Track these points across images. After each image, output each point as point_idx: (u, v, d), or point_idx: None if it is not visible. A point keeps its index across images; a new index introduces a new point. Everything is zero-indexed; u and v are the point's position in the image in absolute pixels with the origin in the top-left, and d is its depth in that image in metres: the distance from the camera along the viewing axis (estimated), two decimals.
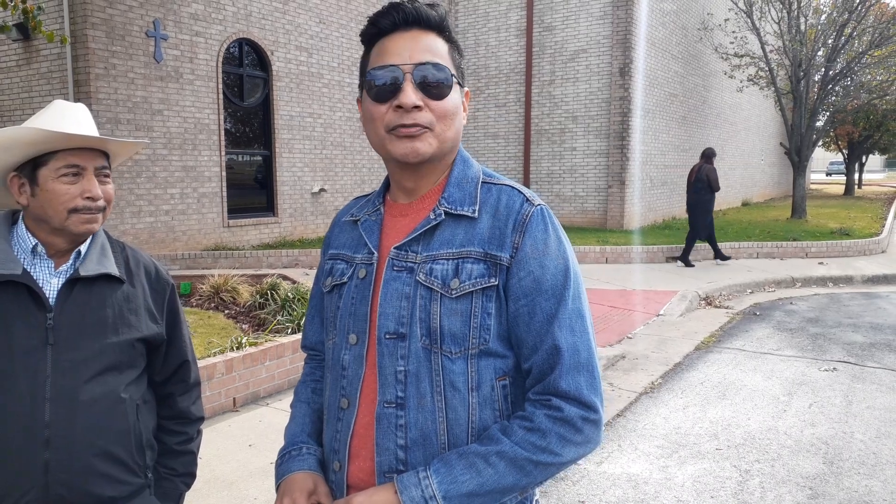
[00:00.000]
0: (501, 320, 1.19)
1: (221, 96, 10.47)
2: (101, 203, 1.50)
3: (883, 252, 12.09)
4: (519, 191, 1.24)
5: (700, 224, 10.53)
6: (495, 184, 1.26)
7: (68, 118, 1.48)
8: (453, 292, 1.17)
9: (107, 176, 1.53)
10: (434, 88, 1.18)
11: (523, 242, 1.18)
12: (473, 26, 15.52)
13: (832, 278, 9.71)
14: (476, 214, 1.21)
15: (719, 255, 10.77)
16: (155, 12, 9.51)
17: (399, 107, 1.17)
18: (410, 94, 1.16)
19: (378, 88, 1.19)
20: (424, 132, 1.18)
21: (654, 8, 14.62)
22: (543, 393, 1.17)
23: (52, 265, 1.52)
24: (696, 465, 3.88)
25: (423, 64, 1.17)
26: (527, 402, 1.19)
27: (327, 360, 1.33)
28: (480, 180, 1.26)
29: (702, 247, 11.20)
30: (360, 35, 1.25)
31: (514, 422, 1.16)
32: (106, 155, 1.55)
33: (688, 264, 10.56)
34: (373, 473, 1.20)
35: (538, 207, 1.21)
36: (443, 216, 1.22)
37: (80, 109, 1.53)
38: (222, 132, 10.51)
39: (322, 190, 12.29)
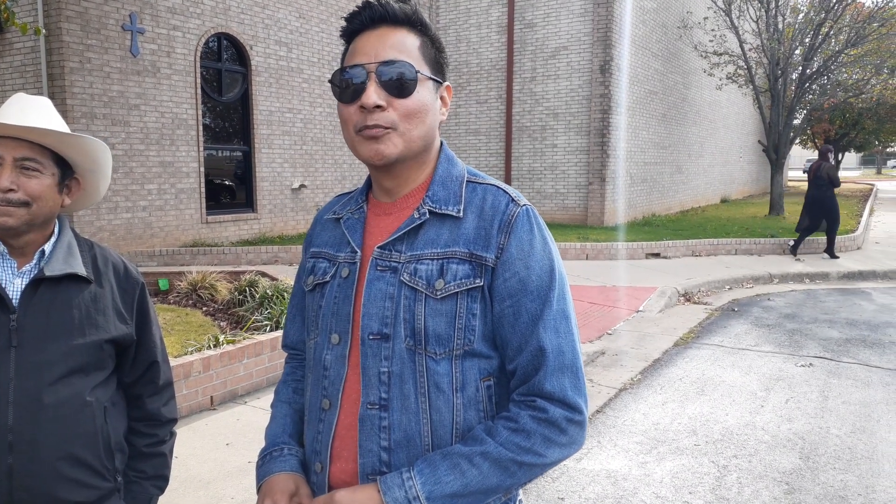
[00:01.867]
0: (486, 321, 1.18)
1: (200, 91, 10.34)
2: (13, 196, 1.40)
3: (858, 249, 12.27)
4: (504, 191, 1.23)
5: (818, 218, 10.92)
6: (480, 183, 1.24)
7: (12, 108, 1.44)
8: (438, 293, 1.16)
9: (33, 169, 1.43)
10: (397, 86, 1.15)
11: (509, 243, 1.17)
12: (455, 22, 15.49)
13: (809, 275, 9.84)
14: (461, 214, 1.20)
15: (830, 251, 11.10)
16: (131, 5, 9.37)
17: (363, 107, 1.15)
18: (372, 95, 1.14)
19: (343, 89, 1.18)
20: (387, 133, 1.16)
21: (634, 5, 14.69)
22: (528, 394, 1.16)
23: (15, 265, 1.47)
24: (674, 461, 3.90)
25: (387, 62, 1.15)
26: (511, 402, 1.18)
27: (308, 359, 1.31)
28: (465, 179, 1.25)
29: (673, 245, 11.29)
30: (340, 34, 1.24)
31: (499, 422, 1.16)
32: (49, 151, 1.47)
33: (795, 253, 11.12)
34: (355, 475, 1.19)
35: (524, 208, 1.20)
36: (427, 215, 1.21)
37: (32, 101, 1.47)
38: (200, 127, 10.39)
39: (302, 186, 12.21)
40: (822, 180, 10.93)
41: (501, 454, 1.12)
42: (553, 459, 1.15)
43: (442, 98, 1.24)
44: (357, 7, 1.20)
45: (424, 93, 1.18)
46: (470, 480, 1.12)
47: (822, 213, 10.92)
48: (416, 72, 1.16)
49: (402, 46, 1.17)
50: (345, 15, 1.22)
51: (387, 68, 1.15)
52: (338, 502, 1.13)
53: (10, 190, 1.40)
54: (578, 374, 1.18)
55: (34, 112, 1.46)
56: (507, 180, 15.03)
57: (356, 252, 1.25)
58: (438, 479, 1.11)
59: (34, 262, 1.48)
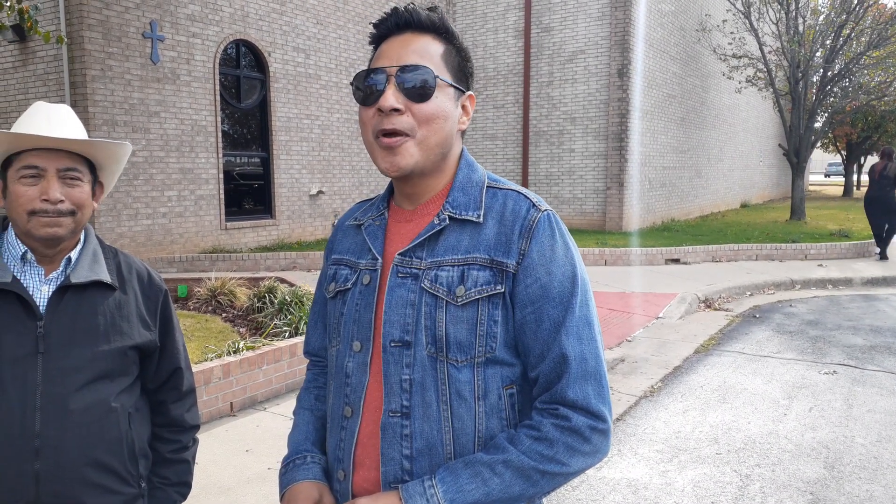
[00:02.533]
0: (508, 328, 1.17)
1: (219, 98, 10.43)
2: (62, 206, 1.43)
3: None
4: (525, 196, 1.22)
5: (886, 218, 11.05)
6: (500, 188, 1.24)
7: (39, 118, 1.45)
8: (459, 300, 1.15)
9: (75, 179, 1.46)
10: (416, 91, 1.15)
11: (530, 249, 1.16)
12: (471, 27, 15.50)
13: (831, 280, 9.70)
14: (481, 219, 1.19)
15: (884, 251, 11.32)
16: (151, 13, 9.48)
17: (380, 110, 1.15)
18: (389, 97, 1.14)
19: (364, 92, 1.18)
20: (405, 142, 1.15)
21: (652, 9, 14.61)
22: (551, 402, 1.15)
23: (43, 272, 1.49)
24: (696, 470, 3.85)
25: (407, 66, 1.15)
26: (534, 410, 1.17)
27: (330, 366, 1.31)
28: (485, 185, 1.24)
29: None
30: (370, 41, 1.25)
31: (521, 431, 1.15)
32: (83, 158, 1.50)
33: (883, 256, 11.11)
34: (378, 483, 1.19)
35: (545, 213, 1.19)
36: (447, 221, 1.20)
37: (56, 110, 1.49)
38: (219, 134, 10.48)
39: (320, 192, 12.26)
40: (888, 180, 11.02)
41: (524, 463, 1.11)
42: (576, 468, 1.14)
43: (464, 107, 1.24)
44: (385, 13, 1.21)
45: (443, 99, 1.18)
46: (492, 489, 1.11)
47: (883, 213, 11.00)
48: (436, 77, 1.16)
49: (425, 52, 1.17)
50: (361, 21, 1.23)
51: (406, 72, 1.15)
52: None
53: (61, 201, 1.43)
54: (602, 381, 1.16)
55: (59, 120, 1.47)
56: (525, 185, 14.98)
57: (377, 259, 1.24)
58: (460, 488, 1.11)
59: (61, 269, 1.50)
